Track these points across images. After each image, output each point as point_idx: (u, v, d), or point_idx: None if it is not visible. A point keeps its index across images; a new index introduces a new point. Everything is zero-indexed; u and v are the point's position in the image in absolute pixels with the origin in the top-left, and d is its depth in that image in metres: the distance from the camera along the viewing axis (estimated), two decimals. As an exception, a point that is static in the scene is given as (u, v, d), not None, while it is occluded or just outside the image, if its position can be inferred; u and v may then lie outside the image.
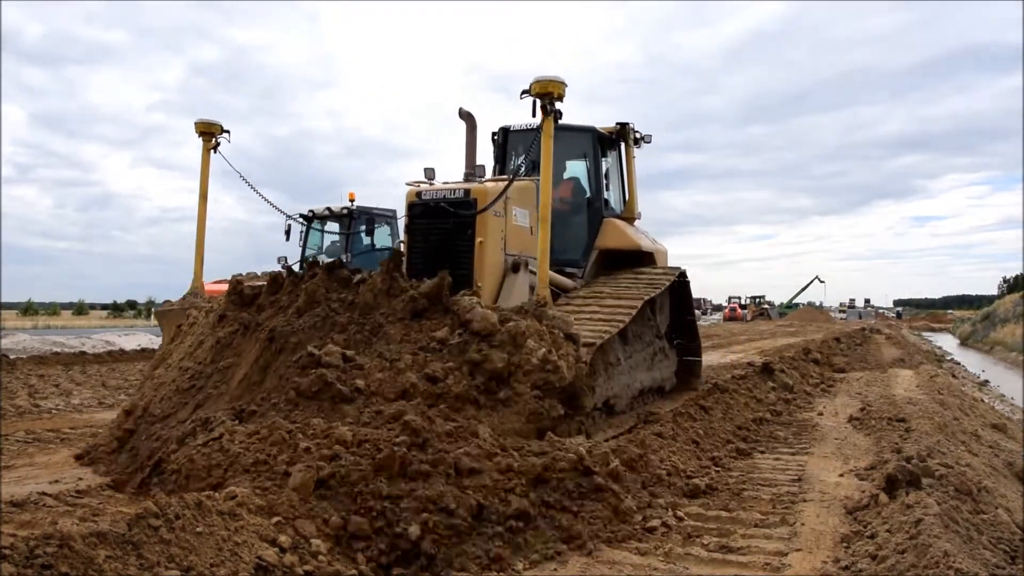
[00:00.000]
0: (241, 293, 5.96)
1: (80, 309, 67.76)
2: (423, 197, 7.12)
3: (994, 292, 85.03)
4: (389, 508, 3.35)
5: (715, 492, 4.87)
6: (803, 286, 72.83)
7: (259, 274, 10.87)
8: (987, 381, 17.83)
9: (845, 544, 3.84)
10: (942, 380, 11.99)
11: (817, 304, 68.66)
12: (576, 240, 8.49)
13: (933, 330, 52.63)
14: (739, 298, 67.57)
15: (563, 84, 6.16)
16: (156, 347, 13.41)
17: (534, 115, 6.26)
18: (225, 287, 6.89)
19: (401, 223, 8.21)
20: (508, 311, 5.19)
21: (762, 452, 6.23)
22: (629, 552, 3.69)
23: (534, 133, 7.82)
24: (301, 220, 13.67)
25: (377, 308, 5.17)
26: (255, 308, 5.77)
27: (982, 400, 12.51)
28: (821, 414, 8.27)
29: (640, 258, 8.91)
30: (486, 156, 9.09)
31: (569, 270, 8.12)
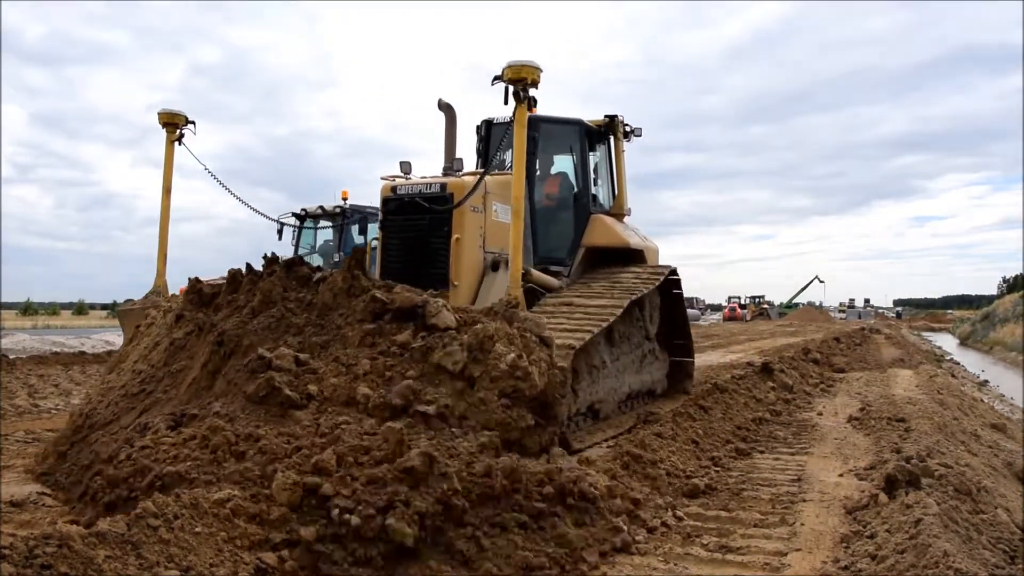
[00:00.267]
0: (200, 292, 5.65)
1: (80, 309, 67.71)
2: (398, 192, 6.89)
3: (994, 292, 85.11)
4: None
5: (714, 492, 4.87)
6: (803, 286, 72.96)
7: None
8: (987, 381, 17.83)
9: (845, 544, 3.84)
10: (942, 380, 11.99)
11: (817, 304, 68.72)
12: (562, 237, 8.20)
13: (933, 330, 52.62)
14: (739, 298, 67.56)
15: (537, 69, 5.82)
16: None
17: (506, 102, 5.91)
18: None
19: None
20: (476, 312, 4.92)
21: (762, 452, 6.23)
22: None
23: None
24: (276, 220, 13.36)
25: (336, 309, 4.85)
26: (213, 308, 5.47)
27: (982, 400, 12.51)
28: (821, 414, 8.27)
29: (629, 256, 8.61)
30: (472, 149, 8.90)
31: (554, 268, 7.83)
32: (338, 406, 3.95)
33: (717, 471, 5.44)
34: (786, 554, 3.71)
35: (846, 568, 3.48)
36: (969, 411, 9.40)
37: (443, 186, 6.72)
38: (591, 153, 8.66)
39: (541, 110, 8.15)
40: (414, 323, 4.61)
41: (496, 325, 4.59)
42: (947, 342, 37.47)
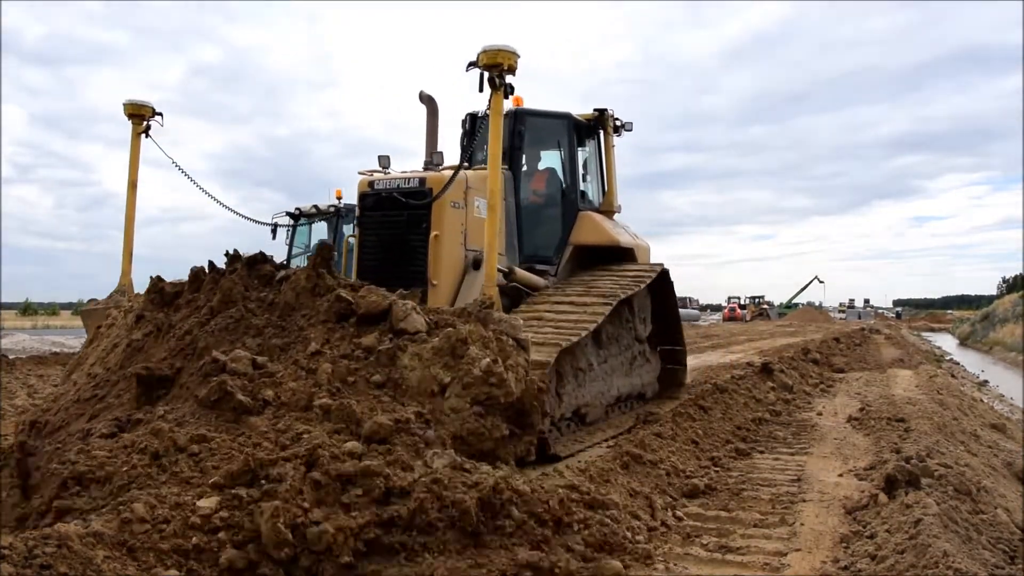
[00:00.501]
0: (161, 292, 5.32)
1: (79, 309, 67.41)
2: (375, 187, 6.61)
3: (993, 292, 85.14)
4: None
5: (714, 492, 4.87)
6: (802, 286, 72.92)
7: None
8: (986, 381, 17.83)
9: (844, 544, 3.84)
10: (941, 380, 11.99)
11: (816, 304, 68.66)
12: (549, 235, 7.92)
13: (932, 330, 52.62)
14: (739, 298, 67.53)
15: (515, 55, 5.50)
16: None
17: (481, 90, 5.61)
18: None
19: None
20: (447, 313, 4.65)
21: (761, 452, 6.23)
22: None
23: (506, 120, 7.34)
24: (244, 216, 12.95)
25: (299, 309, 4.55)
26: (174, 308, 5.17)
27: (981, 400, 12.51)
28: (820, 414, 8.27)
29: (619, 254, 8.32)
30: (458, 144, 8.51)
31: (540, 267, 7.57)
32: (297, 411, 3.71)
33: (717, 471, 5.44)
34: (786, 554, 3.71)
35: (846, 568, 3.48)
36: (969, 411, 9.40)
37: (422, 180, 6.44)
38: (580, 148, 8.41)
39: (537, 106, 8.00)
40: (381, 325, 4.33)
41: (470, 327, 4.33)
42: (947, 342, 37.48)
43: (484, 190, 6.55)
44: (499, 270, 6.33)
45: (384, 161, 7.02)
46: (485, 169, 7.00)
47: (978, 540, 3.74)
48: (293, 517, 2.76)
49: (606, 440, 6.17)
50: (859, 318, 55.74)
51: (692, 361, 14.29)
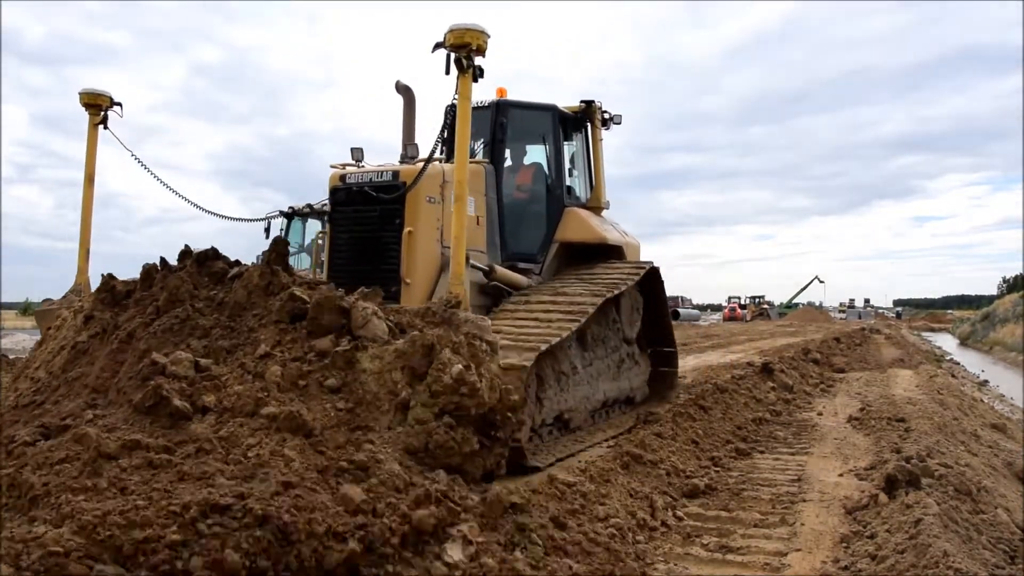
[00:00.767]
0: (112, 290, 4.99)
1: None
2: (347, 181, 6.31)
3: (994, 292, 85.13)
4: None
5: (714, 492, 4.88)
6: (803, 286, 72.91)
7: None
8: (987, 381, 17.83)
9: (845, 544, 3.85)
10: (941, 380, 12.00)
11: (817, 304, 68.64)
12: (533, 232, 7.57)
13: (933, 330, 52.63)
14: (739, 298, 67.51)
15: (484, 34, 5.19)
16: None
17: (447, 72, 5.29)
18: None
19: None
20: (409, 314, 4.29)
21: (761, 452, 6.23)
22: None
23: (488, 111, 7.17)
24: (213, 213, 12.38)
25: (251, 309, 4.23)
26: (123, 308, 4.82)
27: (981, 400, 12.51)
28: (821, 414, 8.28)
29: (607, 252, 7.96)
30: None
31: (523, 265, 7.21)
32: (242, 417, 3.43)
33: (717, 471, 5.44)
34: (786, 554, 3.71)
35: (846, 568, 3.49)
36: (969, 411, 9.41)
37: (395, 174, 6.10)
38: (567, 142, 8.08)
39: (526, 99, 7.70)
40: (339, 327, 3.99)
41: (439, 332, 3.96)
42: (947, 342, 37.48)
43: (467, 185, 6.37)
44: (479, 268, 6.17)
45: (357, 154, 6.72)
46: (471, 163, 6.69)
47: (978, 540, 3.75)
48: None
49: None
50: (859, 318, 55.74)
51: (692, 361, 14.31)
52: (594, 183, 8.52)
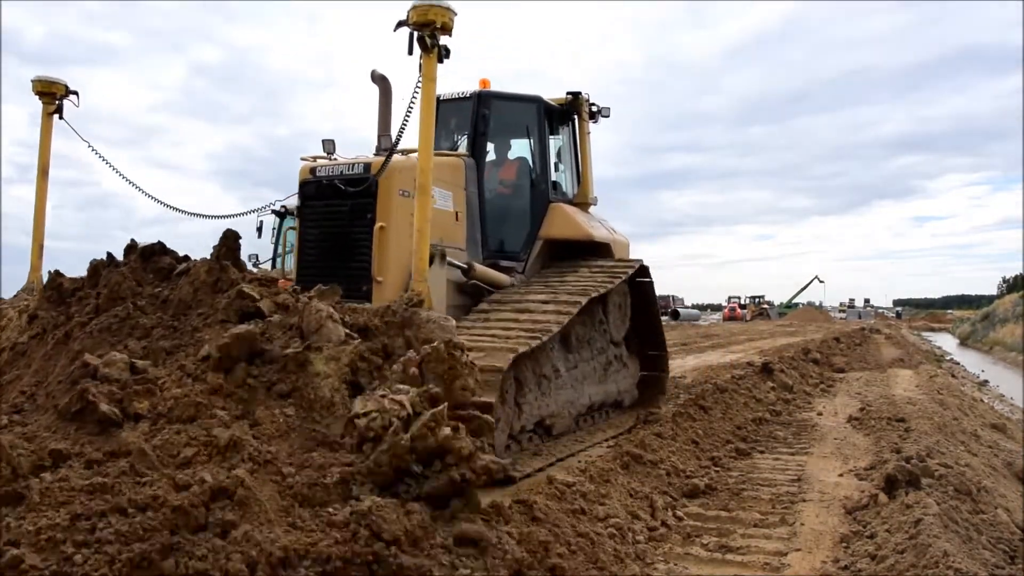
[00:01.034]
0: (59, 288, 4.71)
1: None
2: (317, 174, 6.04)
3: (994, 292, 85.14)
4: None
5: (714, 492, 4.88)
6: (803, 286, 72.91)
7: None
8: (987, 381, 17.83)
9: (844, 544, 3.85)
10: (941, 380, 12.00)
11: (817, 304, 68.67)
12: (516, 228, 7.28)
13: (933, 330, 52.62)
14: (739, 298, 67.51)
15: (450, 11, 4.90)
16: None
17: (410, 52, 5.00)
18: None
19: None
20: (370, 313, 3.96)
21: (761, 452, 6.23)
22: None
23: (470, 103, 6.97)
24: (178, 209, 11.82)
25: (197, 307, 3.94)
26: (68, 306, 4.58)
27: (981, 400, 12.51)
28: (820, 414, 8.28)
29: (594, 250, 7.69)
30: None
31: (505, 263, 6.93)
32: (179, 424, 3.16)
33: (717, 471, 5.45)
34: (786, 554, 3.71)
35: (846, 568, 3.49)
36: (969, 411, 9.41)
37: (367, 166, 5.78)
38: (553, 136, 7.80)
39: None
40: (290, 331, 3.68)
41: (392, 341, 3.67)
42: (947, 342, 37.48)
43: (443, 178, 6.10)
44: (457, 266, 5.96)
45: (329, 146, 6.43)
46: (440, 154, 6.42)
47: (978, 540, 3.75)
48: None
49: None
50: (859, 318, 55.74)
51: (692, 360, 14.31)
52: (581, 178, 8.23)
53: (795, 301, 65.52)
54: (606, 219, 8.43)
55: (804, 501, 4.67)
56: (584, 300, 6.05)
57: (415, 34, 4.88)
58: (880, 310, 77.71)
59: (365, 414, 3.04)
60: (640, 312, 7.97)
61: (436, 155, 6.39)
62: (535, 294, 6.39)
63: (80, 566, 2.11)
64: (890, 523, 3.86)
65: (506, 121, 7.42)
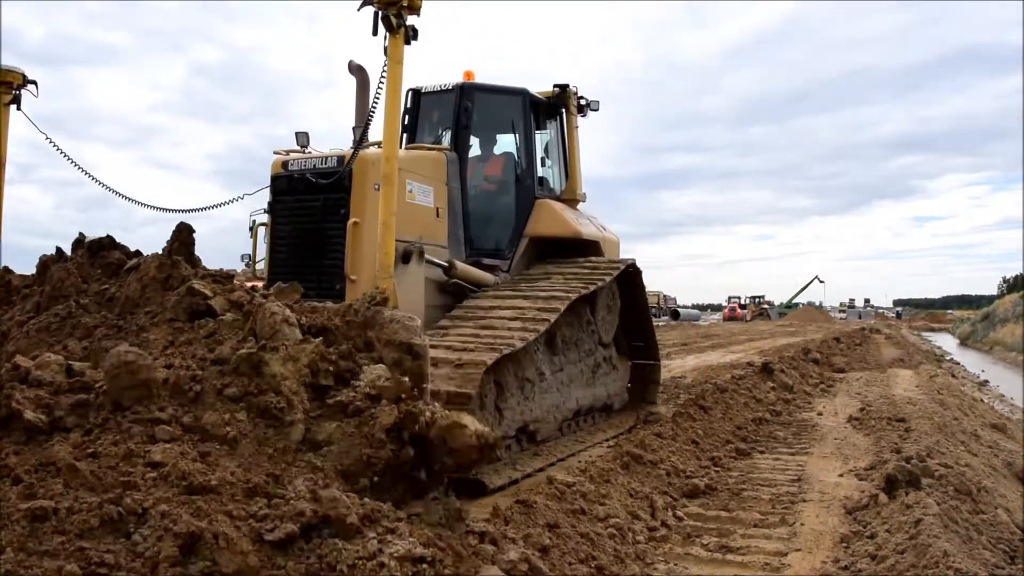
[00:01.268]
0: (8, 285, 4.46)
1: None
2: (289, 168, 5.84)
3: (994, 292, 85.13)
4: None
5: (714, 492, 4.88)
6: (803, 286, 72.92)
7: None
8: (987, 381, 17.83)
9: (845, 544, 3.85)
10: (942, 380, 12.00)
11: (817, 304, 68.71)
12: (501, 225, 7.03)
13: (933, 330, 52.63)
14: (739, 298, 67.55)
15: None
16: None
17: (375, 32, 4.75)
18: None
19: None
20: (330, 312, 3.74)
21: (761, 452, 6.23)
22: None
23: (452, 95, 6.80)
24: (138, 202, 11.09)
25: (145, 305, 3.68)
26: (13, 305, 4.28)
27: (982, 400, 12.51)
28: (821, 414, 8.28)
29: (582, 247, 7.42)
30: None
31: (489, 262, 6.69)
32: (115, 434, 2.83)
33: (717, 471, 5.45)
34: (786, 554, 3.71)
35: (846, 568, 3.49)
36: (969, 411, 9.41)
37: (340, 159, 5.57)
38: (540, 130, 7.57)
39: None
40: (243, 330, 3.42)
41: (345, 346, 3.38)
42: (947, 342, 37.48)
43: (422, 172, 5.94)
44: (437, 264, 5.78)
45: (302, 139, 6.21)
46: (419, 147, 6.33)
47: (978, 540, 3.75)
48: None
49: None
50: (859, 318, 55.78)
51: (692, 360, 14.32)
52: (569, 173, 7.99)
53: (795, 301, 65.57)
54: (596, 216, 8.26)
55: (804, 501, 4.67)
56: (552, 317, 5.62)
57: (379, 13, 4.65)
58: (880, 310, 77.73)
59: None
60: (631, 312, 7.76)
61: (417, 149, 6.37)
62: (555, 277, 6.41)
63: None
64: (890, 523, 3.86)
65: (490, 114, 7.22)
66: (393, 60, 4.73)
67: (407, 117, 7.26)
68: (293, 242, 5.82)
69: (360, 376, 3.16)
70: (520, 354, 5.30)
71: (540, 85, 7.78)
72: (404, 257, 5.48)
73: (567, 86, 7.83)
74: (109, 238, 4.10)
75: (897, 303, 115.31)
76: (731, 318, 56.46)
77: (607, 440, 6.36)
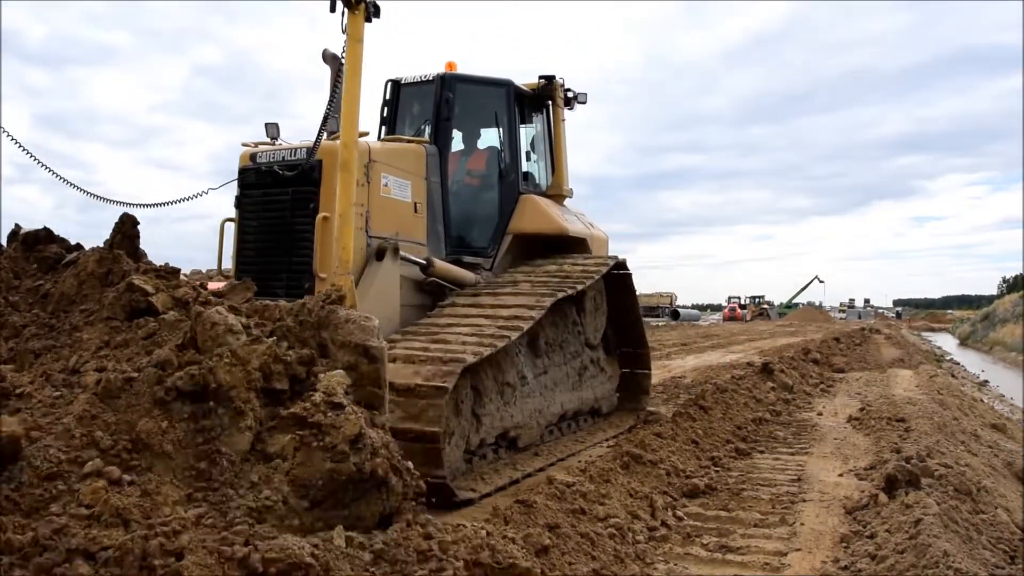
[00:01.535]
0: None
1: None
2: (257, 160, 5.58)
3: (993, 292, 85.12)
4: None
5: (714, 492, 4.88)
6: (803, 286, 72.95)
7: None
8: (986, 381, 17.83)
9: (844, 544, 3.85)
10: (941, 380, 11.99)
11: (817, 304, 68.75)
12: (483, 222, 6.77)
13: (932, 330, 52.64)
14: (739, 298, 67.58)
15: None
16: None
17: (333, 9, 4.51)
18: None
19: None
20: (282, 311, 3.44)
21: (761, 452, 6.23)
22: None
23: (433, 86, 6.57)
24: (92, 194, 10.33)
25: (81, 302, 3.42)
26: None
27: (981, 400, 12.51)
28: (820, 414, 8.28)
29: (568, 244, 7.16)
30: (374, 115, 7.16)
31: (470, 259, 6.42)
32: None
33: (717, 471, 5.45)
34: (786, 554, 3.71)
35: (846, 568, 3.49)
36: (969, 411, 9.40)
37: (310, 151, 5.30)
38: (525, 124, 7.34)
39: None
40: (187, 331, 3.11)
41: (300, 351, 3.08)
42: (947, 342, 37.49)
43: (394, 164, 5.69)
44: (414, 262, 5.58)
45: (272, 130, 5.94)
46: (395, 139, 6.12)
47: (978, 540, 3.74)
48: None
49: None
50: (859, 318, 55.82)
51: (692, 361, 14.32)
52: (556, 168, 7.72)
53: (795, 301, 65.60)
54: (584, 212, 8.03)
55: (804, 501, 4.67)
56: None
57: None
58: (880, 310, 77.78)
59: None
60: (621, 313, 7.54)
61: (394, 141, 6.14)
62: (538, 275, 6.14)
63: None
64: (890, 523, 3.86)
65: (473, 106, 6.95)
66: (353, 38, 4.48)
67: (386, 109, 7.07)
68: (261, 238, 5.56)
69: (316, 384, 2.90)
70: (500, 357, 5.09)
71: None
72: (378, 254, 5.33)
73: (553, 77, 7.57)
74: (46, 230, 3.83)
75: (897, 303, 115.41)
76: (731, 318, 56.47)
77: (607, 440, 6.36)
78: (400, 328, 5.32)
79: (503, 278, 6.46)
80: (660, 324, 39.06)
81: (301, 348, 3.09)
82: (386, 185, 5.58)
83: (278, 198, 5.44)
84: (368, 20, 4.47)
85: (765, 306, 60.82)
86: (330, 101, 5.11)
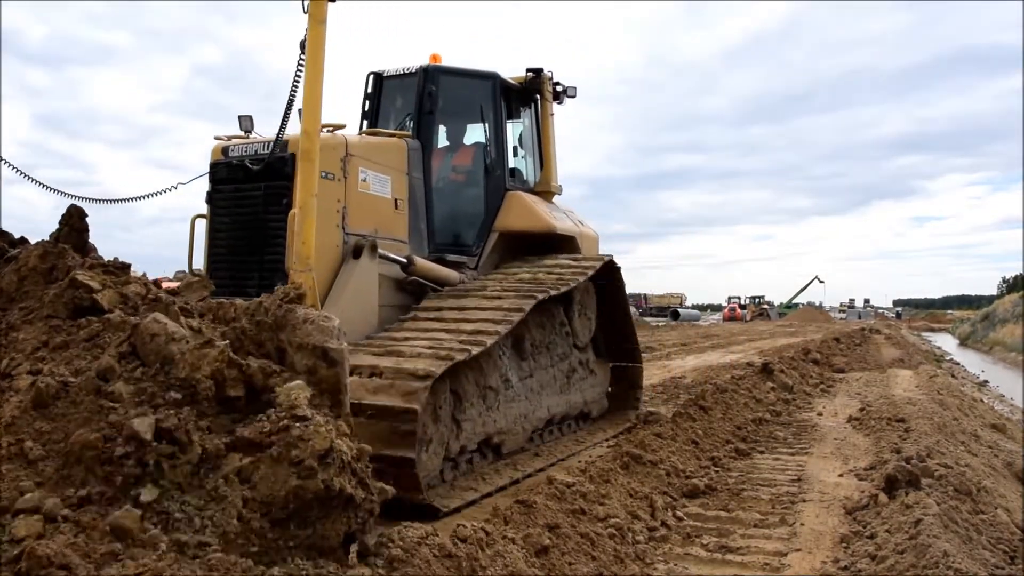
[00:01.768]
0: None
1: None
2: (229, 155, 5.37)
3: (993, 292, 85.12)
4: None
5: (714, 492, 4.88)
6: (802, 286, 72.95)
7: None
8: (986, 381, 17.82)
9: (844, 544, 3.85)
10: (941, 380, 11.99)
11: (817, 304, 68.77)
12: (468, 219, 6.55)
13: (932, 330, 52.62)
14: (739, 298, 67.58)
15: None
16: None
17: None
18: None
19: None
20: (238, 310, 3.22)
21: (761, 452, 6.23)
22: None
23: (416, 79, 6.39)
24: (64, 192, 10.00)
25: (21, 300, 3.19)
26: None
27: (981, 400, 12.51)
28: (820, 414, 8.28)
29: (557, 243, 6.94)
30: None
31: (454, 258, 6.22)
32: None
33: (717, 471, 5.45)
34: (786, 554, 3.71)
35: (846, 568, 3.49)
36: (969, 411, 9.40)
37: (284, 145, 5.04)
38: (513, 119, 7.13)
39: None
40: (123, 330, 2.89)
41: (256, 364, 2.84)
42: (947, 342, 37.48)
43: (372, 158, 5.50)
44: (394, 260, 5.39)
45: (246, 123, 5.70)
46: (375, 132, 5.96)
47: (978, 540, 3.74)
48: None
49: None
50: (859, 318, 55.81)
51: (692, 361, 14.32)
52: (544, 164, 7.47)
53: (795, 301, 65.60)
54: (573, 210, 7.81)
55: (804, 501, 4.67)
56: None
57: None
58: (880, 310, 77.78)
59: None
60: (612, 313, 7.35)
61: (374, 135, 5.96)
62: (521, 275, 5.94)
63: None
64: (890, 523, 3.86)
65: (457, 100, 6.70)
66: (315, 19, 4.25)
67: (368, 103, 6.87)
68: (233, 235, 5.33)
69: (276, 392, 2.67)
70: (481, 360, 4.91)
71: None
72: (355, 252, 5.14)
73: (541, 71, 7.37)
74: None
75: (897, 303, 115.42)
76: (731, 318, 56.47)
77: (607, 440, 6.35)
78: (380, 329, 5.15)
79: (472, 284, 6.15)
80: (660, 324, 39.09)
81: (258, 351, 2.89)
82: (364, 180, 5.39)
83: (250, 193, 5.23)
84: None
85: (765, 306, 60.84)
86: (293, 89, 4.75)
